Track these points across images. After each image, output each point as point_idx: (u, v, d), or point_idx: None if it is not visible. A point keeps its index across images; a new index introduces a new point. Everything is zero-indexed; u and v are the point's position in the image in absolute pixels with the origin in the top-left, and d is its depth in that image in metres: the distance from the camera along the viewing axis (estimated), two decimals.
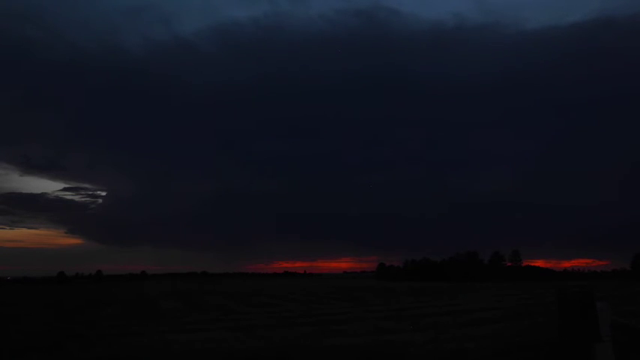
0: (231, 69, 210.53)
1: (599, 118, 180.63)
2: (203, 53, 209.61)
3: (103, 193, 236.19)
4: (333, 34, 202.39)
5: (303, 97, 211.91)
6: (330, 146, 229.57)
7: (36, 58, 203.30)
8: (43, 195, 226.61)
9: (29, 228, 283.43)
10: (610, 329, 6.37)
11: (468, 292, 38.60)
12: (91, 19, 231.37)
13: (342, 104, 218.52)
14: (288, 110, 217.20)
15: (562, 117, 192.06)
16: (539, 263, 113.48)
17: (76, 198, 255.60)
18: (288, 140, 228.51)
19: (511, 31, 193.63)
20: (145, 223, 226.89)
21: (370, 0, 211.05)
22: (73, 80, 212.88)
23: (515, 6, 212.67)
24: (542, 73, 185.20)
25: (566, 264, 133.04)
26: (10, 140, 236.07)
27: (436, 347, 10.64)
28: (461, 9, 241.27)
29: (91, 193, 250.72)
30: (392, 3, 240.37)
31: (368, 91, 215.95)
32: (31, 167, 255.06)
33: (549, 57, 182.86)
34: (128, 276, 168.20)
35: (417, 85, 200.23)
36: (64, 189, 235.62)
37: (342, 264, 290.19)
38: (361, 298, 32.08)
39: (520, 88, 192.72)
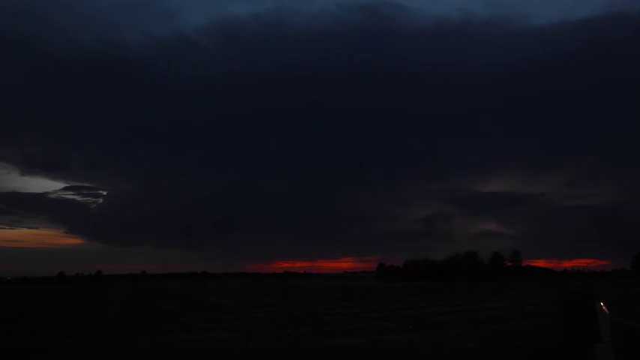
0: (231, 65, 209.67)
1: (601, 117, 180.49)
2: (204, 50, 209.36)
3: (104, 192, 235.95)
4: (336, 31, 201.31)
5: (304, 96, 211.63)
6: (331, 145, 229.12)
7: (35, 53, 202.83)
8: (44, 195, 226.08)
9: (29, 228, 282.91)
10: (610, 329, 6.36)
11: (467, 292, 38.58)
12: (91, 14, 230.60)
13: (343, 103, 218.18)
14: (287, 109, 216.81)
15: (564, 115, 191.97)
16: (539, 263, 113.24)
17: (78, 197, 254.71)
18: (289, 138, 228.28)
19: (518, 27, 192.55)
20: (145, 223, 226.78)
21: None
22: (73, 77, 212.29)
23: (522, 1, 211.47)
24: (548, 69, 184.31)
25: (567, 264, 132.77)
26: (11, 139, 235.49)
27: (436, 347, 10.64)
28: (467, 4, 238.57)
29: (93, 192, 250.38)
30: None
31: (369, 89, 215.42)
32: (32, 167, 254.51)
33: (556, 53, 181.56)
34: (128, 276, 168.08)
35: (419, 81, 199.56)
36: (65, 188, 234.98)
37: (342, 264, 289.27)
38: (361, 298, 32.07)
39: (522, 85, 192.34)
